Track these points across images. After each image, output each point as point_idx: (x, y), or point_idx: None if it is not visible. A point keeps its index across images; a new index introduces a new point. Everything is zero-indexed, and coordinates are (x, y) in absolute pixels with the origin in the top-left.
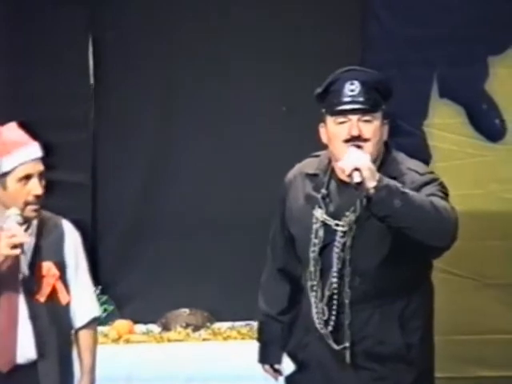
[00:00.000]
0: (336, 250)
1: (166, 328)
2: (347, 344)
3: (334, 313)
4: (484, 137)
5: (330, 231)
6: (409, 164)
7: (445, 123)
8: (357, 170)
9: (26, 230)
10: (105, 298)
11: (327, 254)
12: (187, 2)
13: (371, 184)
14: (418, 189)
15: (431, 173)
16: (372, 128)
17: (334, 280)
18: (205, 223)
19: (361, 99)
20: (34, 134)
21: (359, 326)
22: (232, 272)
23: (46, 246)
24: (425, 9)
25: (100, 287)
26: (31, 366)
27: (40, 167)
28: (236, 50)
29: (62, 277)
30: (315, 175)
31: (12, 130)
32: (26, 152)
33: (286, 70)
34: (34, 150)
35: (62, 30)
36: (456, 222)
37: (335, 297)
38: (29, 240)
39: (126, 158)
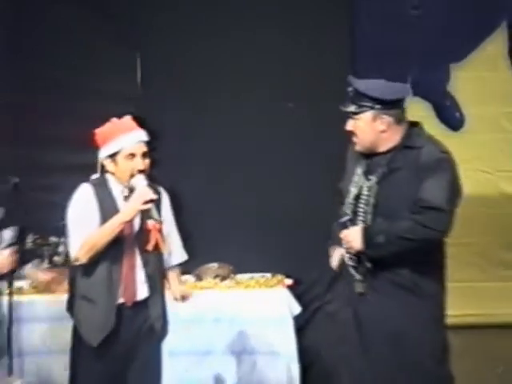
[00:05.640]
0: (362, 201)
1: (199, 278)
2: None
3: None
4: (447, 127)
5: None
6: (429, 138)
7: (417, 116)
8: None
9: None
10: None
11: (358, 202)
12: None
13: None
14: (433, 166)
15: (446, 152)
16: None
17: (360, 218)
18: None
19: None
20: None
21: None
22: (252, 234)
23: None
24: (399, 20)
25: None
26: (143, 301)
27: (143, 148)
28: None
29: (161, 231)
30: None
31: (122, 121)
32: (130, 136)
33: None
34: (138, 135)
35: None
36: (447, 216)
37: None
38: (156, 197)
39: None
